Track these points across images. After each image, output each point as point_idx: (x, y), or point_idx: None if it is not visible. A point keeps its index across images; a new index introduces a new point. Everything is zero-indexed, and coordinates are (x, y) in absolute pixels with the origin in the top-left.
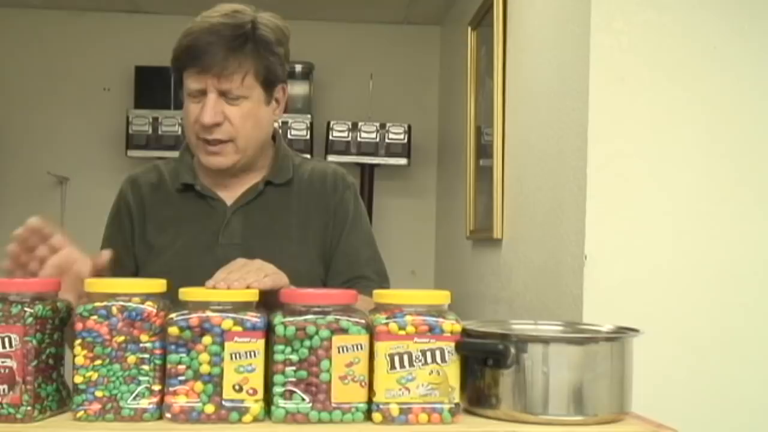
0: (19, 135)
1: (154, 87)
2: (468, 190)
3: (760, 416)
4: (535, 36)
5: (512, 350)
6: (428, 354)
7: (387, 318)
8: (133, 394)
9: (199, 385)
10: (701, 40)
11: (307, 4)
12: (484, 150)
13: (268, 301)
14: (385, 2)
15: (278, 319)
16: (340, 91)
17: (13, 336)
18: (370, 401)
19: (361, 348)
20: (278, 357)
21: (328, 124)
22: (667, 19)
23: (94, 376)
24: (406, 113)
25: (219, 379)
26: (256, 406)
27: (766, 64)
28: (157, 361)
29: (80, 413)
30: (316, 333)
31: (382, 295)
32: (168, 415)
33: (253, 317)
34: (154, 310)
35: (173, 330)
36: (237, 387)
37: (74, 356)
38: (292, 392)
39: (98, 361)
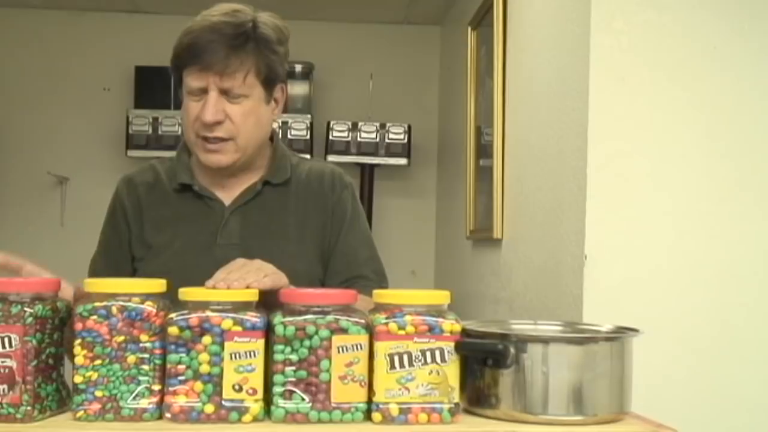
0: (19, 135)
1: (154, 87)
2: (468, 190)
3: (759, 416)
4: (535, 36)
5: (512, 350)
6: (428, 354)
7: (387, 318)
8: (133, 394)
9: (198, 385)
10: (701, 40)
11: (307, 4)
12: (484, 150)
13: (268, 301)
14: (385, 2)
15: (278, 318)
16: (340, 91)
17: (12, 336)
18: (369, 401)
19: (361, 348)
20: (278, 357)
21: (328, 124)
22: (667, 19)
23: (94, 375)
24: (406, 113)
25: (219, 379)
26: (255, 406)
27: (766, 64)
28: (157, 361)
29: (80, 413)
30: (316, 333)
31: (381, 295)
32: (168, 415)
33: (253, 317)
34: (154, 310)
35: (173, 330)
36: (237, 387)
37: (74, 356)
38: (291, 392)
39: (98, 361)
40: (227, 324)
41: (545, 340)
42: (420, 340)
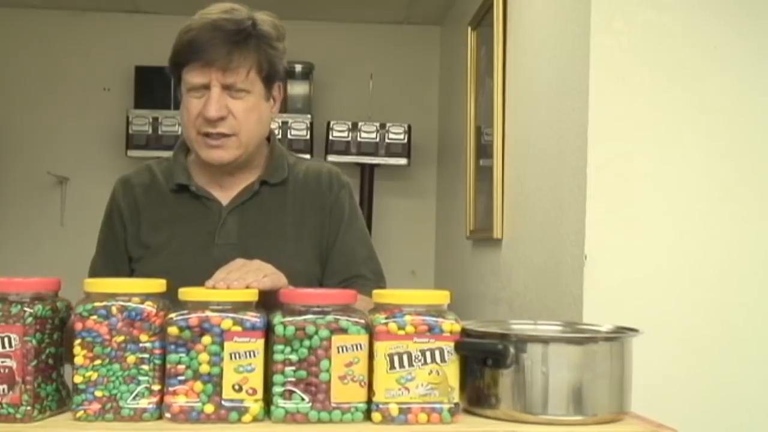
0: (19, 135)
1: (154, 87)
2: (468, 190)
3: (759, 416)
4: (535, 36)
5: (512, 350)
6: (428, 354)
7: (386, 318)
8: (133, 394)
9: (198, 385)
10: (701, 40)
11: (307, 4)
12: (484, 150)
13: (267, 302)
14: (385, 2)
15: (278, 318)
16: (340, 91)
17: (12, 336)
18: (369, 401)
19: (361, 348)
20: (278, 357)
21: (328, 124)
22: (667, 19)
23: (94, 375)
24: (406, 113)
25: (218, 379)
26: (255, 406)
27: (766, 64)
28: (157, 361)
29: (80, 413)
30: (316, 333)
31: (381, 295)
32: (167, 415)
33: (253, 317)
34: (154, 310)
35: (173, 330)
36: (236, 387)
37: (74, 356)
38: (291, 392)
39: (98, 361)
40: (227, 324)
41: (545, 340)
42: (420, 340)
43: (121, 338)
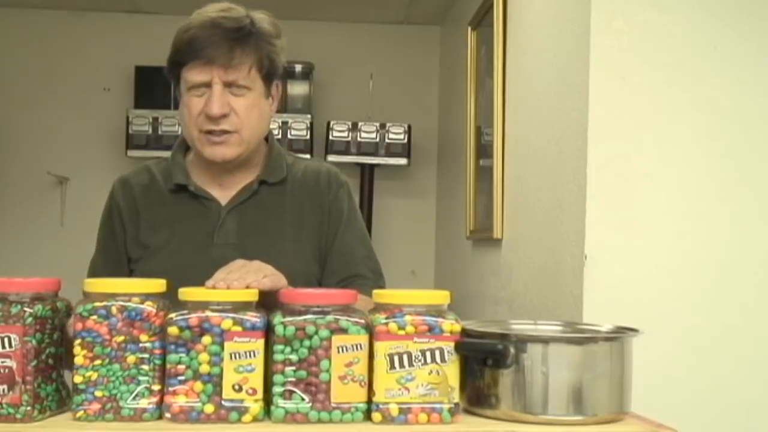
0: (19, 135)
1: (154, 87)
2: (468, 190)
3: (759, 416)
4: (535, 36)
5: (512, 350)
6: (428, 354)
7: (387, 318)
8: (133, 394)
9: (198, 385)
10: (701, 40)
11: (307, 4)
12: (484, 150)
13: (267, 302)
14: (385, 2)
15: (278, 318)
16: (340, 91)
17: (12, 336)
18: (369, 401)
19: (361, 348)
20: (278, 357)
21: (328, 124)
22: (667, 19)
23: (94, 376)
24: (406, 113)
25: (219, 379)
26: (255, 406)
27: (766, 64)
28: (157, 361)
29: (80, 413)
30: (316, 333)
31: (381, 295)
32: (168, 415)
33: (253, 317)
34: (154, 310)
35: (173, 330)
36: (236, 387)
37: (74, 356)
38: (291, 392)
39: (98, 361)
40: (227, 324)
41: (545, 340)
42: (420, 340)
43: (121, 338)
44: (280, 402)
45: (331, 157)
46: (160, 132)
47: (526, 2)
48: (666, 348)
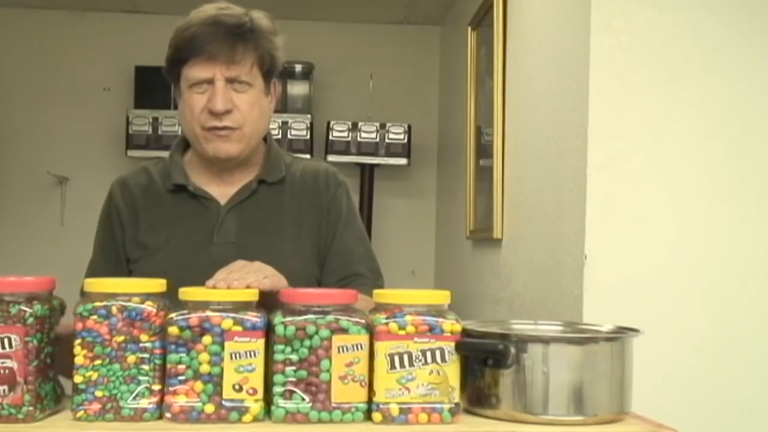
0: (19, 135)
1: (154, 87)
2: (468, 190)
3: (759, 416)
4: (535, 36)
5: (512, 350)
6: (428, 354)
7: (387, 318)
8: (133, 394)
9: (199, 385)
10: (701, 40)
11: (307, 4)
12: (484, 150)
13: (267, 303)
14: (385, 2)
15: (278, 318)
16: (340, 91)
17: (13, 336)
18: (370, 401)
19: (361, 348)
20: (278, 357)
21: (328, 124)
22: (667, 19)
23: (94, 375)
24: (406, 113)
25: (219, 379)
26: (256, 406)
27: (766, 64)
28: (157, 361)
29: (80, 413)
30: (316, 333)
31: (382, 295)
32: (168, 415)
33: (253, 317)
34: (154, 310)
35: (173, 330)
36: (237, 387)
37: (74, 356)
38: (292, 392)
39: (98, 361)
40: (227, 324)
41: (545, 340)
42: (420, 340)
43: (121, 338)
44: (281, 402)
45: (331, 157)
46: (160, 132)
47: (526, 2)
48: (666, 348)
